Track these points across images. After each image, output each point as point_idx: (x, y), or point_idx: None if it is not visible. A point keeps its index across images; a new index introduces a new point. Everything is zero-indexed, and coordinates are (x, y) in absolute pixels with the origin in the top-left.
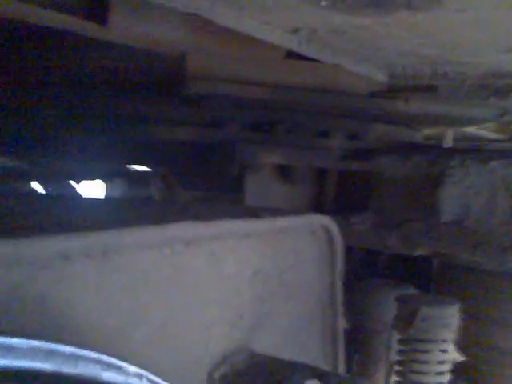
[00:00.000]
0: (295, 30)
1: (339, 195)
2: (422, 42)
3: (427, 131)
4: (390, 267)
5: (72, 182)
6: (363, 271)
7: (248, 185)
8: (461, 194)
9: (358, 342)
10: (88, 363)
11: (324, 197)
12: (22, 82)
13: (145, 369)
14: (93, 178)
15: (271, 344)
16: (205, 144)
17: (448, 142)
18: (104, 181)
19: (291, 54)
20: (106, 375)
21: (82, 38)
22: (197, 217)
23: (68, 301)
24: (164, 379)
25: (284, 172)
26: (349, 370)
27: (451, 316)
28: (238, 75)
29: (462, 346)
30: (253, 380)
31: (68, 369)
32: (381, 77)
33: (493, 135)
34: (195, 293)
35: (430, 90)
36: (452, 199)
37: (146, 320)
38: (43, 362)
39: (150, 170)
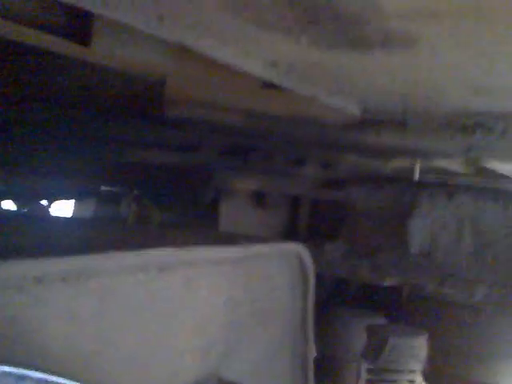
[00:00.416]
0: (274, 63)
1: (312, 222)
2: (395, 79)
3: (396, 163)
4: (361, 296)
5: (44, 202)
6: (334, 299)
7: (222, 210)
8: (429, 226)
9: (328, 371)
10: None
11: (297, 223)
12: None
13: None
14: (66, 197)
15: (241, 371)
16: (180, 168)
17: (416, 174)
18: (76, 200)
19: (268, 84)
20: None
21: (64, 58)
22: (173, 242)
23: (40, 325)
24: None
25: (258, 198)
26: None
27: (419, 346)
28: (216, 101)
29: (429, 377)
30: None
31: None
32: (354, 110)
33: (460, 169)
34: (169, 319)
35: (400, 124)
36: (420, 231)
37: (118, 346)
38: None
39: (121, 190)
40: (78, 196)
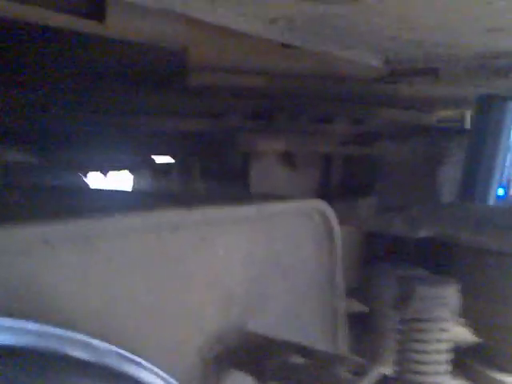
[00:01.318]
0: (274, 21)
1: (345, 180)
2: (400, 27)
3: (444, 113)
4: (417, 253)
5: (85, 175)
6: (390, 257)
7: (252, 173)
8: (460, 174)
9: (368, 324)
10: (54, 339)
11: (329, 182)
12: (29, 79)
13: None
14: (113, 169)
15: (267, 324)
16: (208, 134)
17: (467, 123)
18: (129, 172)
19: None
20: (73, 350)
21: (83, 36)
22: (186, 204)
23: (51, 286)
24: (156, 360)
25: (288, 159)
26: (361, 351)
27: (449, 295)
28: (238, 66)
29: (473, 327)
30: (243, 357)
31: (33, 343)
32: (376, 62)
33: None
34: (184, 276)
35: (430, 72)
36: (452, 180)
37: (135, 304)
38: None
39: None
40: (128, 168)
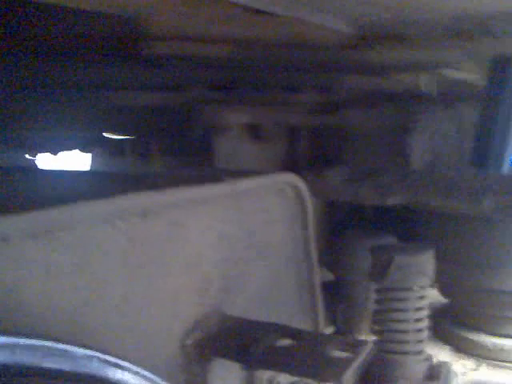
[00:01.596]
0: None
1: (312, 151)
2: None
3: (402, 77)
4: (375, 218)
5: (33, 156)
6: (349, 223)
7: (217, 147)
8: (428, 140)
9: (341, 293)
10: (26, 351)
11: (297, 153)
12: None
13: (103, 349)
14: (66, 149)
15: (245, 305)
16: (169, 108)
17: (423, 85)
18: (80, 151)
19: (250, 8)
20: (48, 362)
21: (26, 3)
22: (154, 186)
23: (13, 285)
24: (133, 354)
25: (253, 131)
26: (335, 321)
27: (426, 262)
28: (199, 33)
29: (444, 289)
30: (225, 343)
31: (3, 358)
32: (347, 28)
33: (472, 77)
34: (156, 263)
35: (401, 38)
36: (420, 146)
37: (104, 297)
38: None
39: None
40: (80, 147)
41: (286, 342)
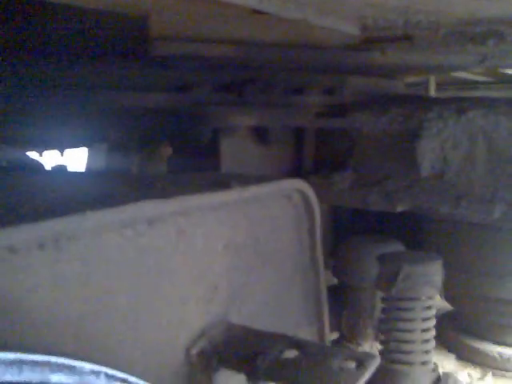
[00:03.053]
0: None
1: (319, 154)
2: None
3: (411, 79)
4: (380, 223)
5: (40, 153)
6: (355, 228)
7: (223, 149)
8: (439, 146)
9: (345, 299)
10: (34, 367)
11: (303, 156)
12: None
13: (109, 361)
14: (57, 148)
15: (252, 313)
16: (176, 109)
17: (432, 89)
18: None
19: (258, 10)
20: (56, 378)
21: (33, 2)
22: (162, 193)
23: (22, 295)
24: (139, 363)
25: (259, 134)
26: (339, 326)
27: (434, 273)
28: (205, 34)
29: (451, 297)
30: (231, 353)
31: (11, 376)
32: (352, 29)
33: (481, 78)
34: (163, 271)
35: (405, 39)
36: (430, 152)
37: (111, 307)
38: None
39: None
40: (87, 145)
41: (292, 353)
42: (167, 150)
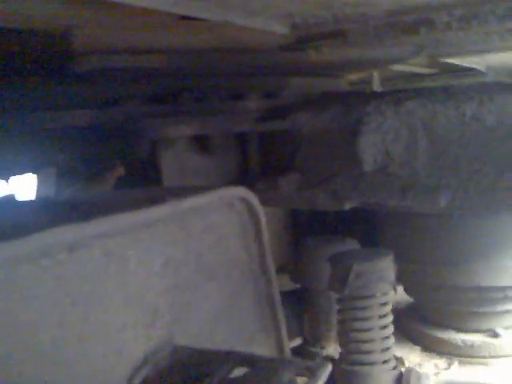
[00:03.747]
0: None
1: (265, 158)
2: None
3: (354, 76)
4: (337, 222)
5: None
6: (312, 229)
7: (163, 162)
8: (380, 140)
9: (306, 303)
10: None
11: (248, 163)
12: None
13: None
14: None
15: (200, 332)
16: (110, 125)
17: (375, 84)
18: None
19: (185, 16)
20: None
21: None
22: (84, 216)
23: None
24: None
25: (201, 143)
26: (301, 330)
27: (386, 267)
28: (132, 45)
29: (408, 288)
30: (177, 378)
31: None
32: (283, 29)
33: (426, 70)
34: (92, 299)
35: (338, 35)
36: (372, 147)
37: (31, 346)
38: None
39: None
40: (32, 171)
41: (241, 370)
42: (120, 171)
